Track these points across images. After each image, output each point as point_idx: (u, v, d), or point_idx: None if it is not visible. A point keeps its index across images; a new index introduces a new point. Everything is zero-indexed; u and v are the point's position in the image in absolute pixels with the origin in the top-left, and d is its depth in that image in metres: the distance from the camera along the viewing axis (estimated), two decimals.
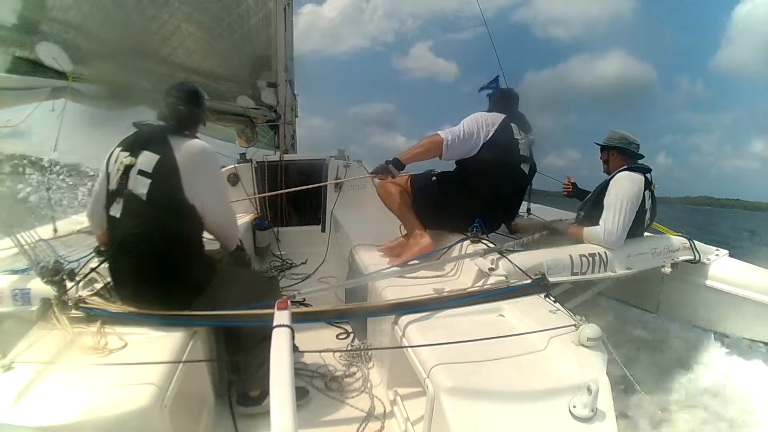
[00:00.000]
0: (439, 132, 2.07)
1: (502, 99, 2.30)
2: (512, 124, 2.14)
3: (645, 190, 2.14)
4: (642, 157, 2.25)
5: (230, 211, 1.67)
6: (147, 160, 1.37)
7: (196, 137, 1.50)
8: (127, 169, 1.37)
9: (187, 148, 1.41)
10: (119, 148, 1.44)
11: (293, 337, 1.03)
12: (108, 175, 1.44)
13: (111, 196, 1.41)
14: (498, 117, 2.13)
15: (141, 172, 1.36)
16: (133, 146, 1.42)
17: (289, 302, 1.17)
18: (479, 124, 2.09)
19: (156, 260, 1.37)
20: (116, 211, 1.39)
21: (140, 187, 1.35)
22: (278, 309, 1.13)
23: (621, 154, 2.24)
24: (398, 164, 2.12)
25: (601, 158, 2.34)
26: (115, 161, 1.42)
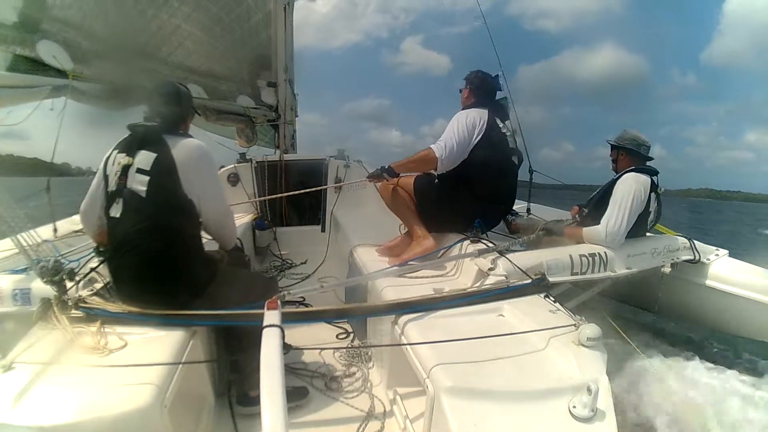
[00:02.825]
0: (431, 147, 2.06)
1: (485, 89, 2.27)
2: (496, 119, 2.18)
3: (651, 192, 2.15)
4: (651, 159, 2.26)
5: (227, 208, 1.68)
6: (145, 158, 1.39)
7: (191, 135, 1.52)
8: (126, 168, 1.39)
9: (184, 146, 1.43)
10: (116, 151, 1.46)
11: (284, 337, 1.03)
12: (106, 177, 1.45)
13: (110, 198, 1.41)
14: (484, 114, 2.14)
15: (139, 170, 1.37)
16: (129, 147, 1.43)
17: (279, 302, 1.17)
18: (468, 127, 2.09)
19: (158, 257, 1.38)
20: (116, 211, 1.39)
21: (139, 184, 1.36)
22: (268, 309, 1.13)
23: (630, 156, 2.26)
24: (391, 172, 2.21)
25: (610, 156, 2.36)
26: (113, 163, 1.43)
